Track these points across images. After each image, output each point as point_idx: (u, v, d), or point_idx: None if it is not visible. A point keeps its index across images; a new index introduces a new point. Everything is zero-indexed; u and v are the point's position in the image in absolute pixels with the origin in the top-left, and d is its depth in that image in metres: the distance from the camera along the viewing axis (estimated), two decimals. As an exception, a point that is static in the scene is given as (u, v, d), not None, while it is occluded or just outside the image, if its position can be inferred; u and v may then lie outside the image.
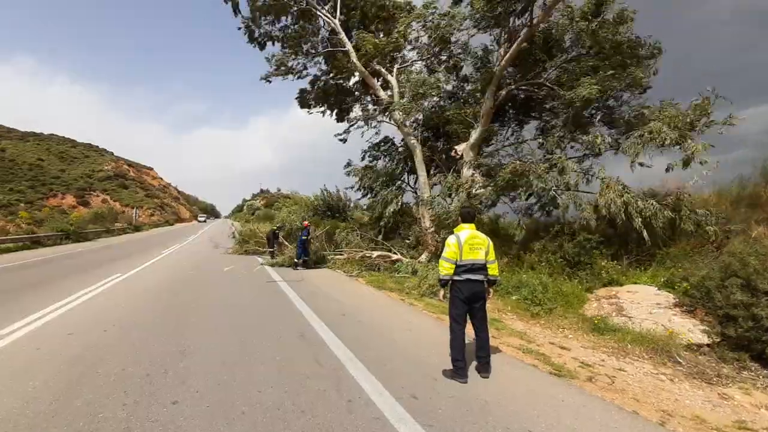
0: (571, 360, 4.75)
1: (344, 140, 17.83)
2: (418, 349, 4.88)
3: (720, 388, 4.00)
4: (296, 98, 18.56)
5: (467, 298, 4.03)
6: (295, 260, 12.31)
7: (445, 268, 4.05)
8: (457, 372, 3.92)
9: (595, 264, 8.43)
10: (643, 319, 6.16)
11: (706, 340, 5.26)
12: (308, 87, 18.21)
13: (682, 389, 3.98)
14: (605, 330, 5.97)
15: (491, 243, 4.19)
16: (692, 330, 5.58)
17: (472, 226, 4.24)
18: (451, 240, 4.10)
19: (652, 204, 8.24)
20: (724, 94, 8.57)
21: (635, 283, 7.78)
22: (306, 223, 13.48)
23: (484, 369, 4.06)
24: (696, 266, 6.97)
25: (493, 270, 4.17)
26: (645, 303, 6.71)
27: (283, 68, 16.92)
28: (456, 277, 4.05)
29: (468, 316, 4.14)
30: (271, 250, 15.68)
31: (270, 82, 17.59)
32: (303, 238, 12.35)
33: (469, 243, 4.03)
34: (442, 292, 4.47)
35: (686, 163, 8.49)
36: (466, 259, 4.01)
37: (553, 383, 3.95)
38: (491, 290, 4.39)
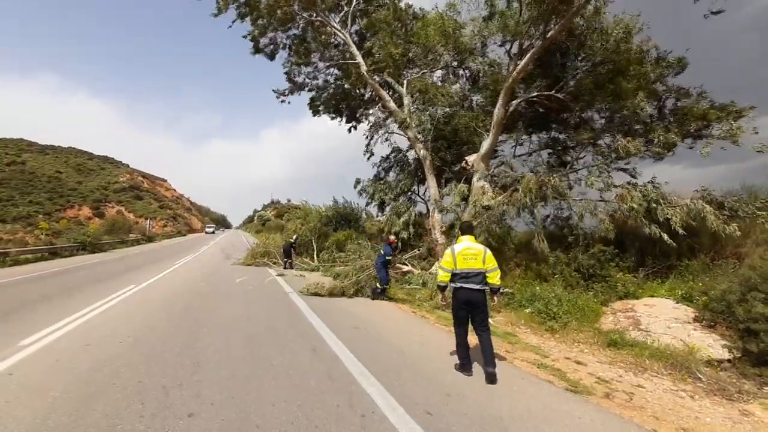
0: (588, 375, 4.66)
1: (371, 154, 18.20)
2: (430, 362, 4.85)
3: (741, 405, 3.89)
4: (308, 105, 18.89)
5: (464, 303, 4.48)
6: (378, 286, 9.36)
7: (441, 276, 4.64)
8: (463, 367, 4.47)
9: (610, 276, 8.31)
10: (661, 334, 6.04)
11: (727, 355, 5.13)
12: (315, 94, 18.52)
13: (702, 406, 3.87)
14: (622, 345, 5.85)
15: (488, 251, 4.54)
16: (712, 345, 5.45)
17: (471, 238, 4.70)
18: (447, 251, 4.67)
19: (673, 208, 8.17)
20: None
21: (652, 296, 7.64)
22: (392, 238, 10.21)
23: (488, 378, 4.24)
24: (715, 279, 6.83)
25: (493, 278, 4.47)
26: (663, 317, 6.58)
27: (294, 82, 17.32)
28: (453, 285, 4.54)
29: (471, 322, 4.54)
30: (290, 261, 15.85)
31: (286, 101, 18.13)
32: (388, 258, 9.29)
33: (462, 254, 4.49)
34: (440, 297, 4.97)
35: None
36: (461, 268, 4.46)
37: (569, 400, 3.88)
38: (496, 298, 4.77)
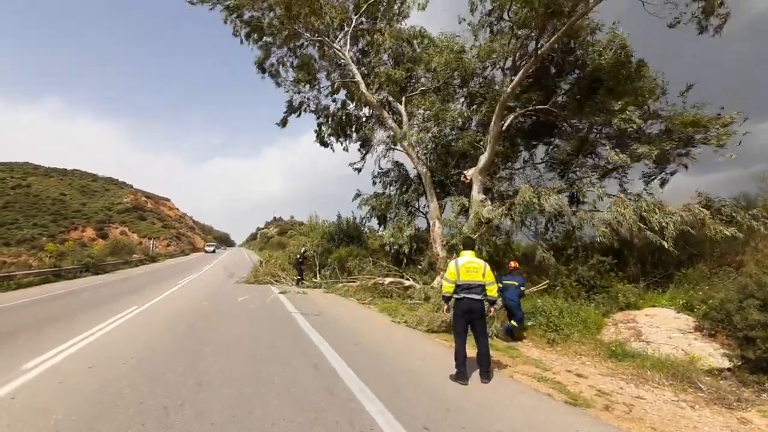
0: (588, 388, 4.67)
1: (359, 170, 18.34)
2: (430, 378, 4.87)
3: (740, 413, 3.90)
4: (315, 135, 18.94)
5: (465, 312, 4.81)
6: (513, 324, 7.26)
7: (445, 287, 4.97)
8: (459, 376, 4.65)
9: (611, 287, 8.31)
10: (663, 344, 6.04)
11: (727, 364, 5.13)
12: (324, 120, 18.64)
13: (702, 416, 3.88)
14: (623, 356, 5.86)
15: (488, 267, 4.94)
16: (713, 354, 5.45)
17: (472, 253, 5.10)
18: (451, 264, 5.03)
19: (670, 216, 8.21)
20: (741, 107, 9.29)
21: (653, 306, 7.64)
22: (513, 264, 8.10)
23: (484, 376, 4.74)
24: (714, 288, 6.84)
25: (491, 291, 4.87)
26: (664, 327, 6.58)
27: (295, 105, 17.56)
28: (455, 296, 4.88)
29: (471, 330, 4.86)
30: (300, 277, 16.00)
31: (285, 125, 18.32)
32: (522, 288, 7.58)
33: (465, 267, 4.86)
34: (445, 307, 5.24)
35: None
36: (464, 280, 4.81)
37: (568, 412, 3.89)
38: (493, 309, 5.25)
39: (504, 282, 7.49)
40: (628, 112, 9.28)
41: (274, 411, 3.78)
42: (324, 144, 18.71)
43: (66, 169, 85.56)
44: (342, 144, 18.91)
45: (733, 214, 8.06)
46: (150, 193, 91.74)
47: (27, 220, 55.40)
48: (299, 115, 18.12)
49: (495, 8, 10.65)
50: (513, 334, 7.23)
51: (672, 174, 10.38)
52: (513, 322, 7.27)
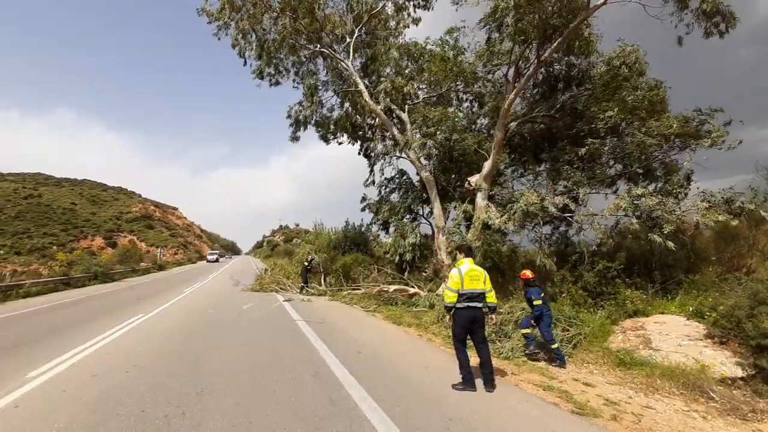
0: (595, 397, 4.57)
1: (373, 182, 18.38)
2: (433, 386, 4.79)
3: (755, 424, 3.78)
4: (317, 133, 19.05)
5: (468, 322, 4.70)
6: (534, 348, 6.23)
7: (449, 297, 4.79)
8: (466, 383, 4.59)
9: (618, 294, 8.17)
10: (672, 352, 5.90)
11: (740, 372, 4.99)
12: (328, 129, 18.71)
13: (714, 427, 3.77)
14: (632, 364, 5.73)
15: (487, 274, 4.92)
16: (725, 362, 5.32)
17: (471, 260, 4.99)
18: (453, 272, 4.85)
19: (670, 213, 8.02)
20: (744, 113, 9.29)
21: (662, 312, 7.49)
22: (527, 273, 6.75)
23: (488, 384, 4.63)
24: (724, 294, 6.70)
25: (491, 298, 4.84)
26: (674, 334, 6.44)
27: (300, 119, 17.68)
28: (458, 305, 4.74)
29: (471, 338, 4.79)
30: (302, 285, 16.00)
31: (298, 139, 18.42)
32: (536, 302, 6.28)
33: (469, 275, 4.75)
34: (447, 317, 5.07)
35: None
36: (467, 288, 4.70)
37: (574, 423, 3.80)
38: (494, 316, 5.20)
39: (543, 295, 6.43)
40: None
41: (274, 420, 3.73)
42: (327, 141, 18.98)
43: (77, 179, 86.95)
44: (342, 142, 19.07)
45: (742, 205, 7.90)
46: (158, 202, 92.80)
47: (38, 230, 56.28)
48: (306, 129, 18.28)
49: (494, 16, 10.70)
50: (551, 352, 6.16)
51: (687, 180, 10.21)
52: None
